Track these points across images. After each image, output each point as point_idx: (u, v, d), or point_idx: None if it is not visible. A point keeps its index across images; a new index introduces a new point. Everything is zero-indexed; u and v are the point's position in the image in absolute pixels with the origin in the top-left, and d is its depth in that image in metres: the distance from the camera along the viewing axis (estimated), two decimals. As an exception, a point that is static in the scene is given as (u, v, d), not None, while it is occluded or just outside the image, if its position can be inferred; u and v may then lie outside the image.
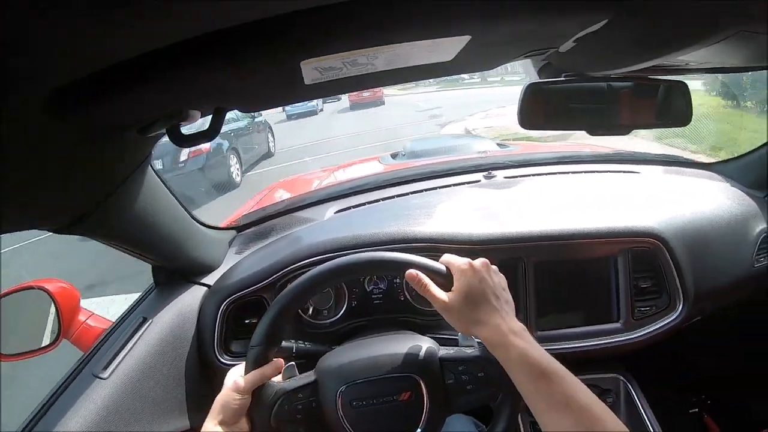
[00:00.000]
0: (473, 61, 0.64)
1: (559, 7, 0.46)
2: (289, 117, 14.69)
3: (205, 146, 5.66)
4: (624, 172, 1.34)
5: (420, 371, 0.65)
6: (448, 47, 0.48)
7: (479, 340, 0.63)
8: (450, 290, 0.62)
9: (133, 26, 0.31)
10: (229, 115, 0.81)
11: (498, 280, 0.63)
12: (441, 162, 1.89)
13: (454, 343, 0.75)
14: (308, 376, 0.68)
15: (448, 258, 0.64)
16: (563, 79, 0.75)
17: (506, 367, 0.56)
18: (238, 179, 6.72)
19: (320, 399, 0.65)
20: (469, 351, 0.67)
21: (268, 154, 8.64)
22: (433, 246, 0.94)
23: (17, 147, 0.44)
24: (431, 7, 0.40)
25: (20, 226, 0.61)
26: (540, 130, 0.80)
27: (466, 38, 0.46)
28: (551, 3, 0.45)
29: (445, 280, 0.64)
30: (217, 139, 5.95)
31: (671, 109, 0.79)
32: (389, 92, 16.98)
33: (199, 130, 0.58)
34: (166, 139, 0.62)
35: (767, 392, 1.33)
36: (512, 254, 0.97)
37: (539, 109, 0.77)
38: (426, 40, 0.44)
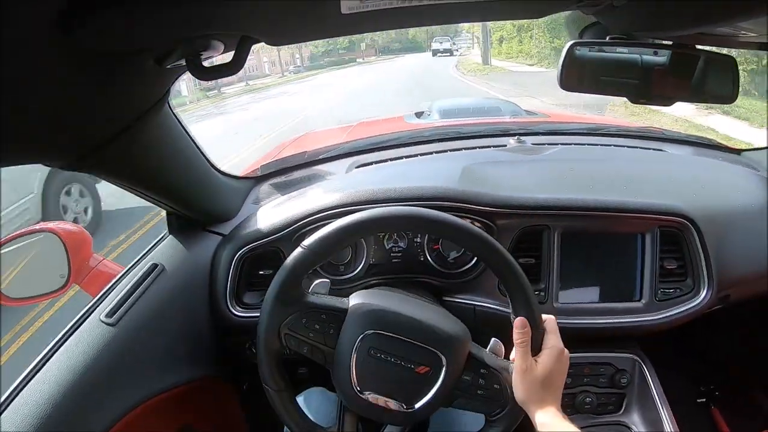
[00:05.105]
0: (521, 6, 0.62)
1: None
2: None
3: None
4: (650, 149, 1.30)
5: (448, 354, 0.64)
6: None
7: (513, 362, 0.64)
8: (534, 350, 0.63)
9: None
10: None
11: (565, 366, 0.64)
12: (467, 123, 1.82)
13: (470, 310, 0.88)
14: (341, 302, 0.65)
15: (551, 324, 0.66)
16: (607, 40, 0.72)
17: None
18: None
19: (340, 330, 0.63)
20: (497, 360, 0.67)
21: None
22: (460, 206, 0.90)
23: (24, 71, 0.40)
24: None
25: (24, 160, 0.57)
26: (578, 91, 0.79)
27: None
28: None
29: (536, 334, 0.63)
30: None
31: (713, 84, 0.75)
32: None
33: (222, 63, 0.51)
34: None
35: None
36: (539, 221, 0.93)
37: (580, 72, 0.75)
38: None
